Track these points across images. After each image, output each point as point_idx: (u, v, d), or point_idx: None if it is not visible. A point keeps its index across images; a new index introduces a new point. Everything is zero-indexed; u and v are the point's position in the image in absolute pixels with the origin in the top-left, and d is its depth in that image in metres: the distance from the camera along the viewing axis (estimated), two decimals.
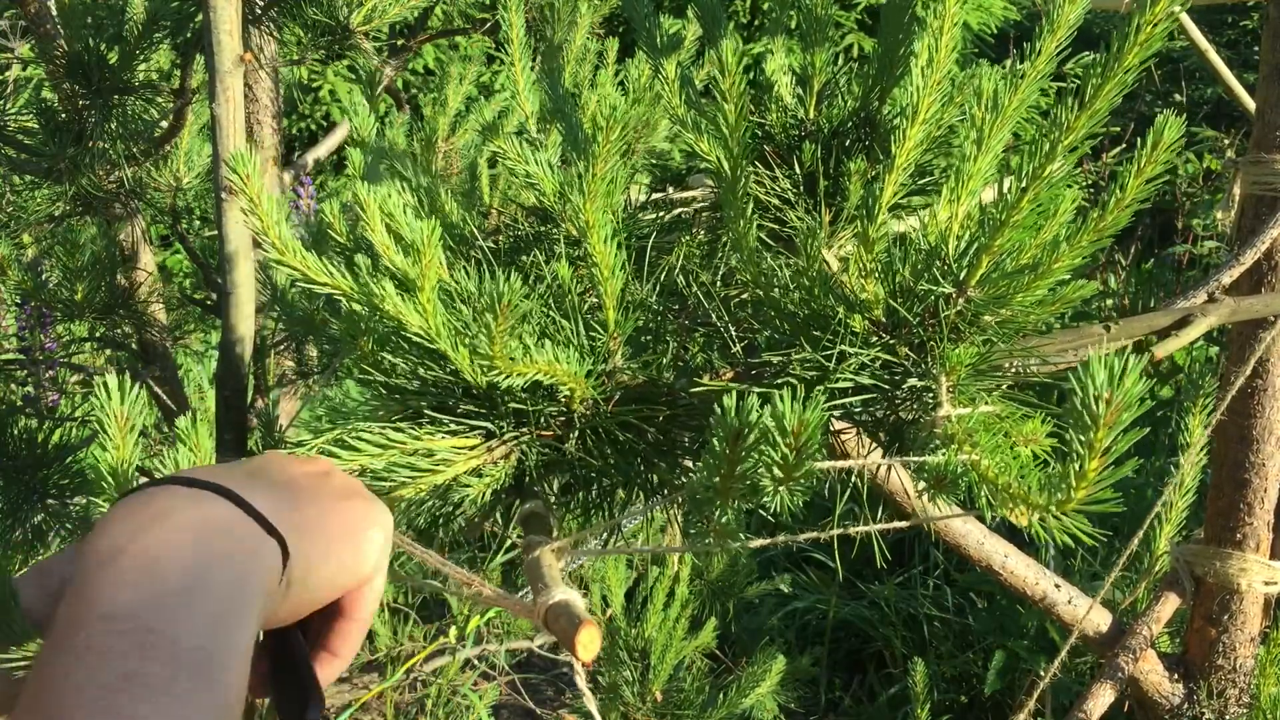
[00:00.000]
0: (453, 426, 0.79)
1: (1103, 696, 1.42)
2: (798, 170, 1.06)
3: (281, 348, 2.09)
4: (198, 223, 2.31)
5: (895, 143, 0.78)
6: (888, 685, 3.10)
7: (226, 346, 1.18)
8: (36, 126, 1.64)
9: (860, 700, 3.16)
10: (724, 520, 0.64)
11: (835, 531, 0.70)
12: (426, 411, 0.80)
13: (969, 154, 0.75)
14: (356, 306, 0.79)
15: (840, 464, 0.73)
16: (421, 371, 0.81)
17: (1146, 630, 1.43)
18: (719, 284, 0.94)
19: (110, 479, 0.64)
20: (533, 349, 0.73)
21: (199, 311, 2.27)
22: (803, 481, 0.58)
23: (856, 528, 0.75)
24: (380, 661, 3.20)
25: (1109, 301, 4.32)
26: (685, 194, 1.22)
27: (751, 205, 0.81)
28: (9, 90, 1.75)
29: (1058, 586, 1.39)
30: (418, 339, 0.77)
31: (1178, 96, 5.97)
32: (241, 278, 1.15)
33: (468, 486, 0.78)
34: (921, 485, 0.68)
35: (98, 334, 2.09)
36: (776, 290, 0.82)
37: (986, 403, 0.74)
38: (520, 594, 0.74)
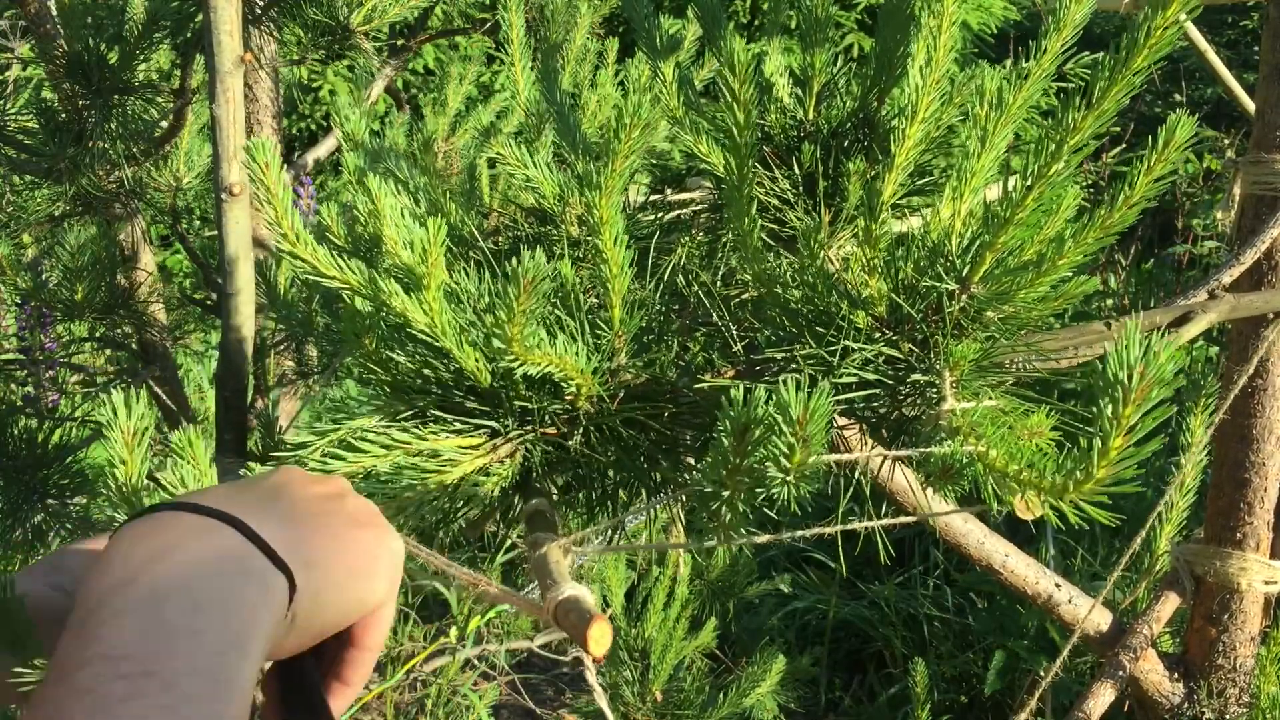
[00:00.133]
0: (457, 425, 0.79)
1: (1103, 696, 1.42)
2: (797, 171, 1.06)
3: (281, 348, 2.09)
4: (198, 223, 2.31)
5: (894, 142, 0.78)
6: (888, 685, 3.10)
7: (226, 347, 1.18)
8: (36, 126, 1.64)
9: (860, 700, 3.16)
10: (729, 515, 0.64)
11: (838, 527, 0.70)
12: (431, 411, 0.80)
13: (972, 151, 0.75)
14: (361, 303, 0.79)
15: (845, 456, 0.73)
16: (425, 370, 0.81)
17: (1147, 630, 1.44)
18: (719, 284, 0.95)
19: (119, 494, 0.64)
20: (545, 340, 0.73)
21: (199, 311, 2.27)
22: (808, 474, 0.58)
23: (860, 523, 0.75)
24: (380, 661, 3.20)
25: (1109, 301, 4.33)
26: (684, 195, 1.22)
27: (754, 205, 0.81)
28: (9, 90, 1.75)
29: (1058, 586, 1.39)
30: (423, 336, 0.77)
31: (1178, 96, 5.97)
32: (241, 278, 1.15)
33: (477, 486, 0.78)
34: (927, 478, 0.68)
35: (98, 334, 2.09)
36: (779, 287, 0.82)
37: (990, 397, 0.74)
38: (524, 591, 0.74)
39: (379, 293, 0.75)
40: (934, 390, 0.75)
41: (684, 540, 2.30)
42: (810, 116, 1.11)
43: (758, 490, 0.61)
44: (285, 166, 2.43)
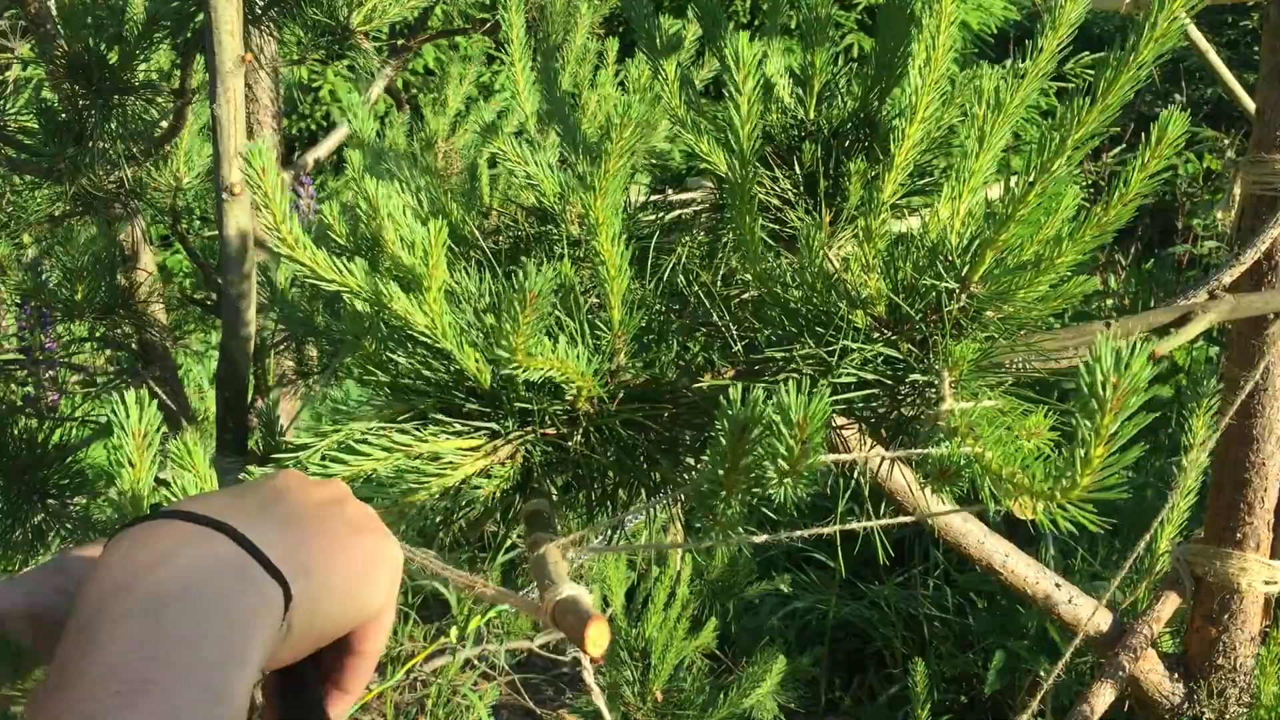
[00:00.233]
0: (458, 427, 0.79)
1: (1103, 696, 1.42)
2: (797, 170, 1.06)
3: (281, 348, 2.09)
4: (198, 223, 2.31)
5: (894, 142, 0.78)
6: (888, 685, 3.10)
7: (227, 347, 1.18)
8: (36, 126, 1.64)
9: (860, 700, 3.16)
10: (728, 514, 0.64)
11: (838, 528, 0.70)
12: (431, 413, 0.80)
13: (971, 151, 0.75)
14: (361, 305, 0.79)
15: (844, 457, 0.73)
16: (426, 371, 0.81)
17: (1147, 630, 1.43)
18: (719, 284, 0.95)
19: (129, 498, 0.64)
20: (546, 345, 0.73)
21: (199, 311, 2.27)
22: (807, 474, 0.58)
23: (859, 523, 0.75)
24: (380, 662, 3.20)
25: (1109, 301, 4.33)
26: (684, 195, 1.22)
27: (755, 204, 0.81)
28: (9, 90, 1.75)
29: (1058, 586, 1.39)
30: (423, 338, 0.77)
31: (1178, 96, 5.97)
32: (242, 278, 1.15)
33: (478, 488, 0.78)
34: (925, 478, 0.68)
35: (98, 334, 2.09)
36: (779, 287, 0.82)
37: (989, 398, 0.74)
38: (522, 591, 0.74)
39: (379, 295, 0.75)
40: (933, 390, 0.75)
41: (683, 540, 2.30)
42: (811, 116, 1.11)
43: (756, 490, 0.62)
44: (285, 166, 2.43)
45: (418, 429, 0.79)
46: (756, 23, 6.78)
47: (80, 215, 1.91)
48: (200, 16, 1.46)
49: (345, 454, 0.77)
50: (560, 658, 2.86)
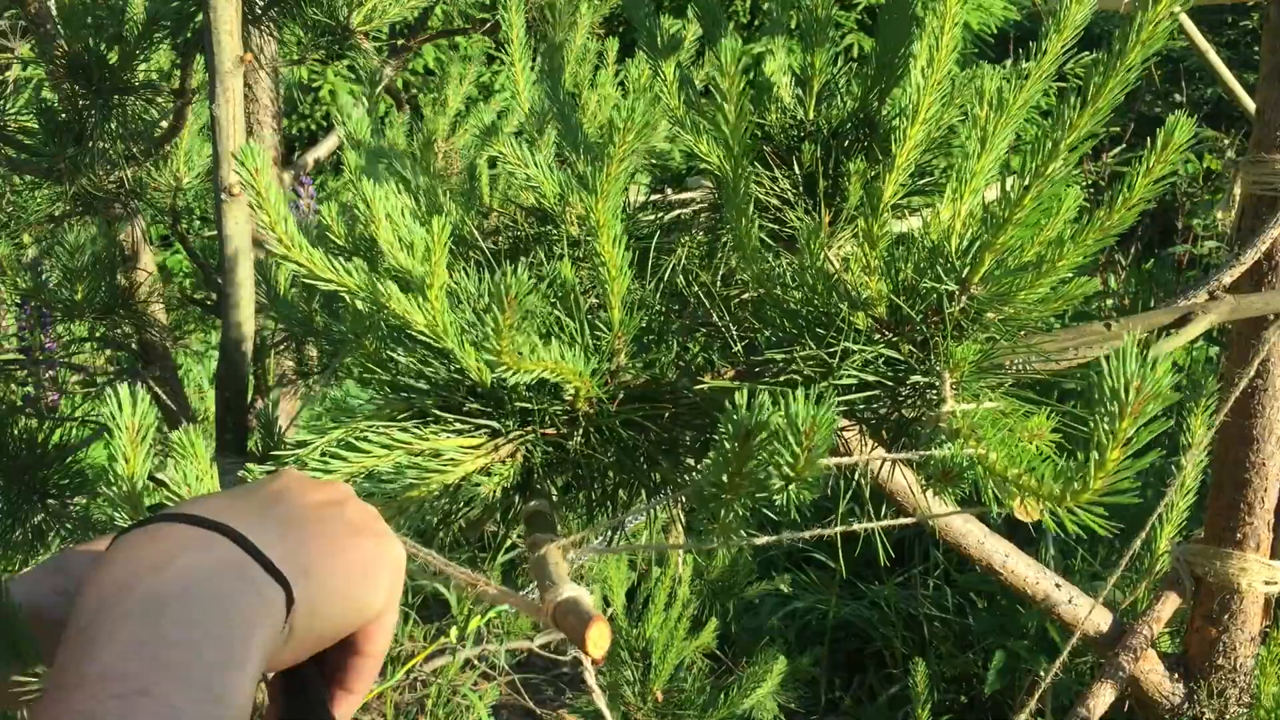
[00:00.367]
0: (458, 425, 0.79)
1: (1103, 696, 1.42)
2: (797, 171, 1.06)
3: (281, 348, 2.09)
4: (198, 223, 2.31)
5: (895, 142, 0.78)
6: (888, 685, 3.10)
7: (227, 347, 1.18)
8: (36, 126, 1.64)
9: (860, 700, 3.16)
10: (729, 518, 0.64)
11: (839, 529, 0.70)
12: (432, 411, 0.80)
13: (972, 152, 0.75)
14: (360, 304, 0.79)
15: (846, 460, 0.73)
16: (426, 370, 0.81)
17: (1147, 630, 1.43)
18: (719, 284, 0.95)
19: (119, 492, 0.64)
20: (539, 347, 0.73)
21: (199, 311, 2.27)
22: (811, 479, 0.58)
23: (860, 524, 0.75)
24: None
25: (1109, 301, 4.33)
26: (684, 195, 1.22)
27: (752, 204, 0.81)
28: (9, 90, 1.75)
29: (1058, 586, 1.39)
30: (423, 337, 0.77)
31: (1178, 96, 5.97)
32: (242, 278, 1.15)
33: (478, 486, 0.78)
34: (927, 480, 0.68)
35: (98, 334, 2.09)
36: (779, 288, 0.82)
37: (990, 399, 0.74)
38: (523, 592, 0.74)
39: (377, 295, 0.75)
40: (934, 392, 0.75)
41: (684, 541, 2.30)
42: (811, 116, 1.11)
43: (760, 495, 0.61)
44: (285, 166, 2.43)
45: (418, 427, 0.79)
46: (756, 23, 6.78)
47: (80, 215, 1.91)
48: (200, 16, 1.46)
49: (346, 451, 0.77)
50: (560, 658, 2.86)
